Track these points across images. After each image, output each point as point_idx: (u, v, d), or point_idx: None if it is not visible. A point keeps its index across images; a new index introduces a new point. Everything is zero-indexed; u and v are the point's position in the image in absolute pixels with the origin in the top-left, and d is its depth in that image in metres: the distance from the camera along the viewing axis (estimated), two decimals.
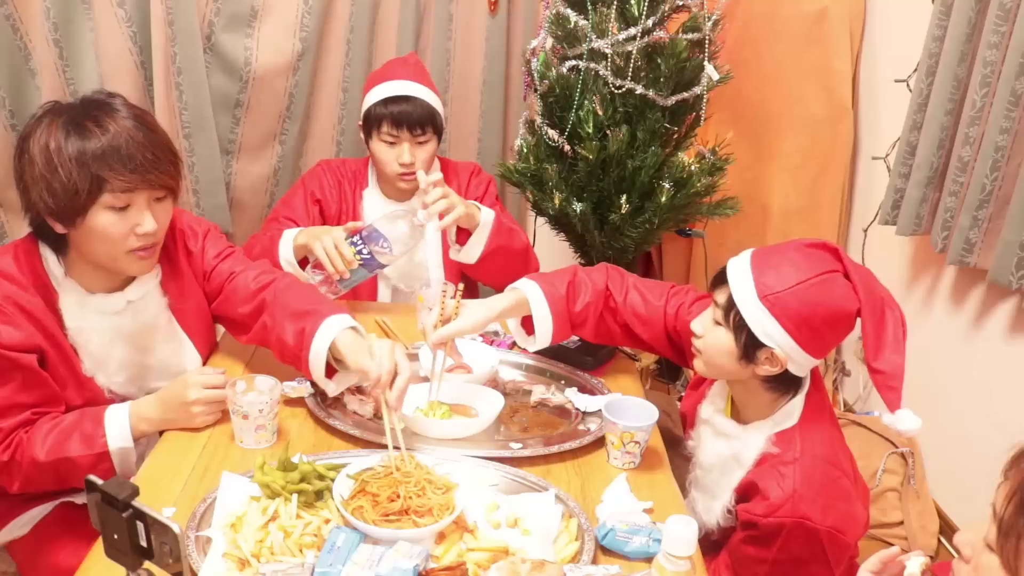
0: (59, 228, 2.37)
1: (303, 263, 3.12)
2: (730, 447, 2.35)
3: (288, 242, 3.15)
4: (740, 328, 2.20)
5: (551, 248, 4.27)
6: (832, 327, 2.17)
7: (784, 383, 2.29)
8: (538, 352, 2.83)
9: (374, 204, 3.49)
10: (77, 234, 2.37)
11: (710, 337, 2.30)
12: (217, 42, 4.05)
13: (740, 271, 2.22)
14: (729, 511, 2.35)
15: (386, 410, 2.26)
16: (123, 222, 2.36)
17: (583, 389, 2.74)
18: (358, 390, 2.57)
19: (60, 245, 2.45)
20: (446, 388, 2.59)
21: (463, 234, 3.19)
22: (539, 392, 2.68)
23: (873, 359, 2.16)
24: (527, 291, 2.65)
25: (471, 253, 3.19)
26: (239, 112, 4.20)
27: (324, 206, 3.47)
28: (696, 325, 2.37)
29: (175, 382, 2.47)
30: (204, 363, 2.79)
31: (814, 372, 2.35)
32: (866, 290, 2.16)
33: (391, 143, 3.33)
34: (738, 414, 2.42)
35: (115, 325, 2.53)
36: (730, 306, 2.22)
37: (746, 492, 2.30)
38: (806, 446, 2.24)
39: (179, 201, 2.56)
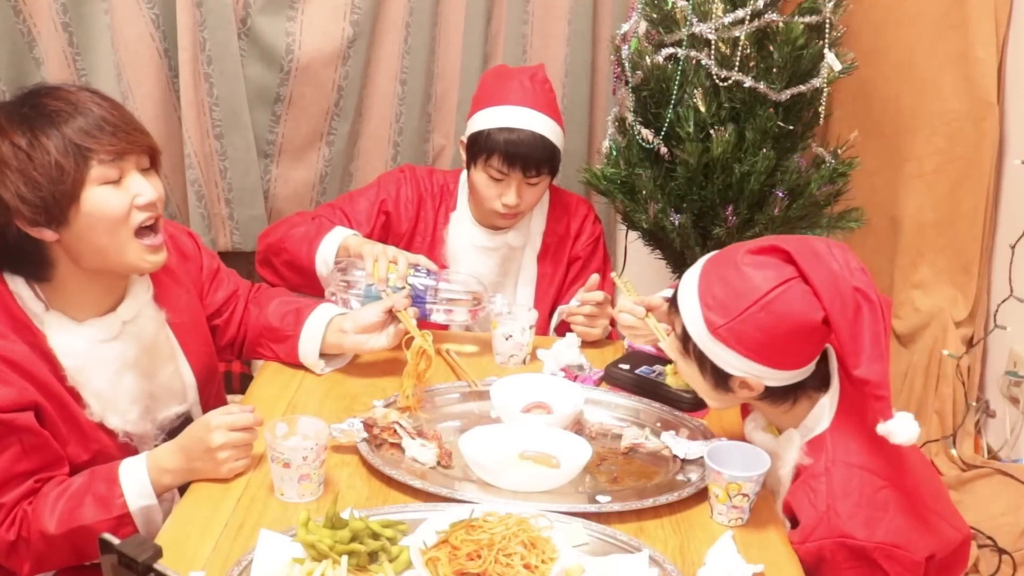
0: (48, 235, 2.34)
1: None
2: (772, 465, 2.34)
3: (336, 240, 3.18)
4: (702, 360, 2.29)
5: (644, 267, 4.26)
6: (802, 341, 2.22)
7: (793, 389, 2.31)
8: (629, 390, 2.84)
9: (462, 231, 3.49)
10: (71, 234, 2.34)
11: (681, 366, 2.39)
12: (254, 26, 4.03)
13: (689, 298, 2.29)
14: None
15: (401, 315, 2.81)
16: (121, 195, 2.35)
17: (682, 433, 2.69)
18: (419, 434, 2.55)
19: (38, 269, 2.42)
20: (522, 433, 2.57)
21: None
22: (631, 436, 2.64)
23: (853, 367, 2.16)
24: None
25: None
26: (279, 108, 4.19)
27: (393, 220, 3.47)
28: (668, 348, 2.46)
29: (196, 425, 2.44)
30: (200, 384, 2.80)
31: None
32: (831, 292, 2.16)
33: (498, 179, 3.31)
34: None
35: (118, 353, 2.52)
36: (686, 337, 2.29)
37: (791, 516, 2.31)
38: (838, 453, 2.24)
39: (207, 220, 2.56)
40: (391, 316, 2.88)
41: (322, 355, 2.96)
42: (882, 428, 2.14)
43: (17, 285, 2.43)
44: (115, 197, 2.34)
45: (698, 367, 2.31)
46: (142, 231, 2.42)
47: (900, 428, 2.12)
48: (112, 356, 2.50)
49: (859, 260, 2.20)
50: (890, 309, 2.22)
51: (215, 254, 3.02)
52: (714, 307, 2.20)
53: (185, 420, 2.71)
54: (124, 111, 2.41)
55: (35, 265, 2.41)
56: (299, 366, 2.98)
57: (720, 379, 2.28)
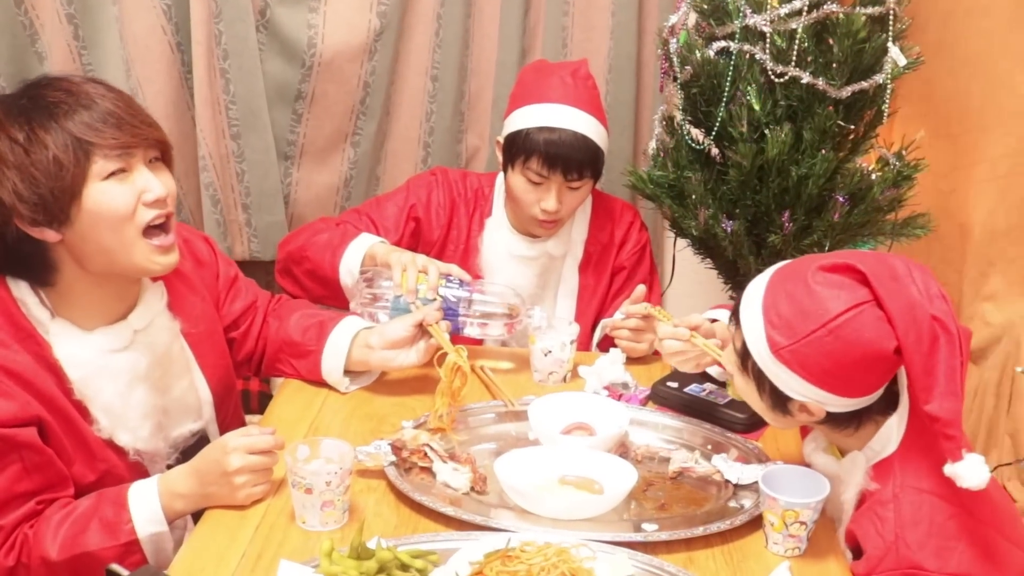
0: (51, 235, 2.35)
1: None
2: (833, 490, 2.33)
3: (362, 248, 3.18)
4: (761, 379, 2.29)
5: (694, 277, 4.24)
6: (870, 370, 2.20)
7: (856, 414, 2.30)
8: (678, 410, 2.85)
9: (498, 239, 3.50)
10: (74, 234, 2.35)
11: (739, 382, 2.38)
12: (273, 18, 4.02)
13: (752, 311, 2.27)
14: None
15: (432, 328, 2.83)
16: (126, 190, 2.36)
17: (735, 456, 2.69)
18: (452, 457, 2.54)
19: (42, 273, 2.43)
20: (563, 456, 2.57)
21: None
22: (679, 460, 2.64)
23: (924, 402, 2.14)
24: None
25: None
26: (301, 106, 4.17)
27: (424, 227, 3.47)
28: (727, 360, 2.45)
29: (212, 447, 2.43)
30: (216, 400, 2.80)
31: None
32: (907, 320, 2.13)
33: (537, 183, 3.30)
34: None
35: (129, 365, 2.52)
36: (746, 354, 2.28)
37: (854, 546, 2.29)
38: (907, 478, 2.22)
39: (222, 224, 2.56)
40: (421, 330, 2.88)
41: (347, 372, 2.96)
42: (949, 470, 2.11)
43: (21, 291, 2.44)
44: (120, 193, 2.35)
45: (756, 386, 2.30)
46: (151, 230, 2.42)
47: (969, 472, 2.09)
48: (122, 368, 2.50)
49: (940, 286, 2.18)
50: (969, 341, 2.19)
51: (233, 262, 3.03)
52: (778, 326, 2.19)
53: (200, 439, 2.72)
54: (132, 103, 2.42)
55: (38, 269, 2.42)
56: (322, 384, 2.98)
57: (778, 401, 2.28)
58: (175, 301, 2.68)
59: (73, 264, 2.41)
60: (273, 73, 4.08)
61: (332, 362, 2.95)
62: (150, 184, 2.38)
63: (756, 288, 2.29)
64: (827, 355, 2.14)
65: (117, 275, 2.47)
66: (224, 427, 2.81)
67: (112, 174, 2.34)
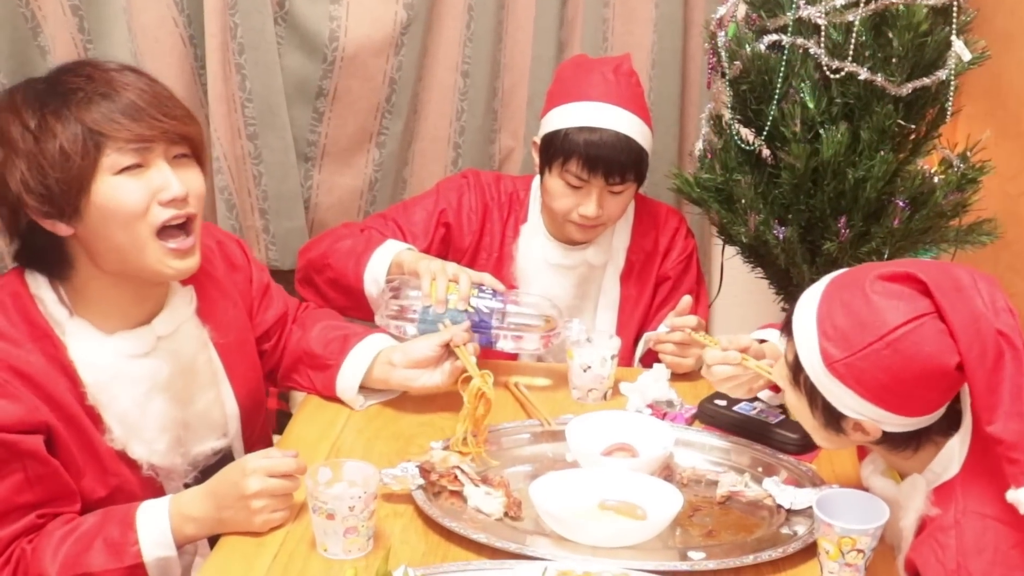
0: (62, 229, 2.37)
1: None
2: (892, 515, 2.31)
3: (388, 255, 3.18)
4: (813, 395, 2.27)
5: (743, 287, 4.23)
6: (930, 387, 2.17)
7: (915, 435, 2.27)
8: (726, 430, 2.86)
9: (534, 246, 3.50)
10: (85, 229, 2.36)
11: (790, 398, 2.37)
12: (293, 10, 4.01)
13: (805, 321, 2.26)
14: None
15: (459, 350, 2.82)
16: (139, 187, 2.36)
17: (787, 479, 2.69)
18: (484, 480, 2.54)
19: (60, 267, 2.45)
20: (603, 479, 2.56)
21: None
22: (728, 483, 2.64)
23: (987, 423, 2.11)
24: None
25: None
26: (322, 104, 4.16)
27: (455, 233, 3.47)
28: (778, 375, 2.44)
29: (230, 468, 2.43)
30: (243, 416, 2.80)
31: None
32: (969, 334, 2.11)
33: (576, 187, 3.29)
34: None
35: (149, 372, 2.53)
36: (798, 367, 2.27)
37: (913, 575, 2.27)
38: (970, 503, 2.19)
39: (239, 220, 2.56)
40: (448, 350, 2.88)
41: (363, 388, 2.97)
42: (1012, 496, 2.09)
43: (40, 288, 2.45)
44: (132, 189, 2.35)
45: (808, 402, 2.28)
46: (167, 231, 2.43)
47: None
48: (141, 374, 2.51)
49: (1007, 297, 2.16)
50: None
51: (265, 267, 3.03)
52: (833, 337, 2.17)
53: (223, 458, 2.72)
54: (161, 93, 2.43)
55: (52, 262, 2.44)
56: (342, 401, 2.99)
57: (832, 419, 2.26)
58: (205, 307, 2.68)
59: (87, 260, 2.43)
60: (292, 68, 4.07)
61: (348, 378, 2.96)
62: (167, 182, 2.38)
63: (810, 298, 2.28)
64: (884, 370, 2.13)
65: (132, 275, 2.47)
66: (250, 446, 2.82)
67: (126, 169, 2.34)
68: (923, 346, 2.11)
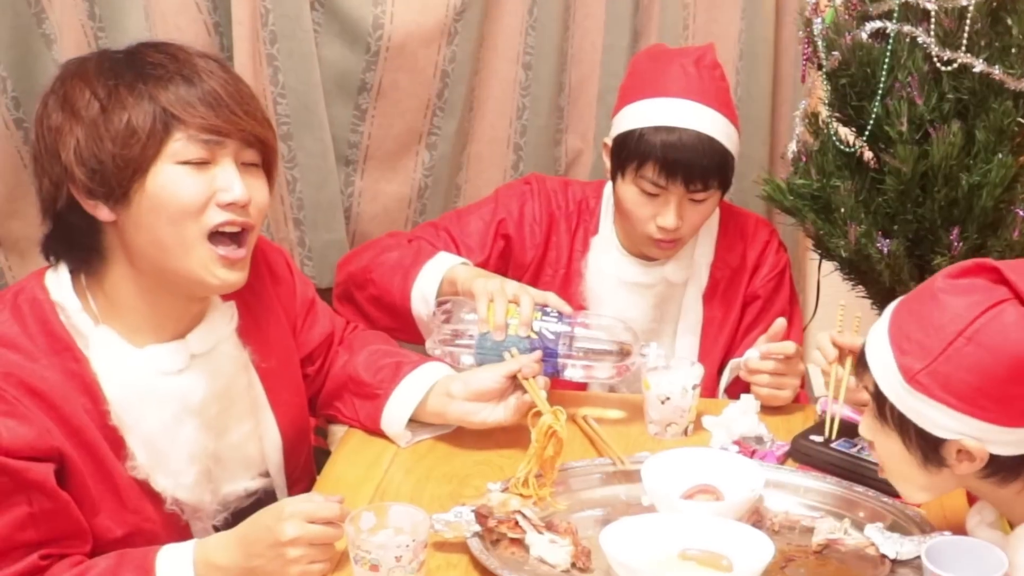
0: (104, 213, 2.38)
1: None
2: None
3: (439, 270, 3.18)
4: (904, 426, 2.25)
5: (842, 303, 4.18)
6: (1022, 380, 2.13)
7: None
8: (824, 469, 2.84)
9: (606, 262, 3.50)
10: (129, 218, 2.38)
11: (880, 444, 2.35)
12: None
13: (878, 345, 2.26)
14: None
15: (527, 383, 2.81)
16: (199, 183, 2.38)
17: (892, 525, 2.67)
18: (549, 527, 2.54)
19: (91, 261, 2.46)
20: (684, 526, 2.55)
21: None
22: (825, 530, 2.63)
23: None
24: None
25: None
26: (365, 101, 4.16)
27: (515, 247, 3.47)
28: (864, 428, 2.41)
29: (264, 512, 2.39)
30: (286, 448, 2.80)
31: None
32: None
33: (652, 194, 3.29)
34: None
35: (180, 392, 2.52)
36: (881, 399, 2.25)
37: None
38: None
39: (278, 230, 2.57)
40: (514, 382, 2.87)
41: (414, 421, 2.96)
42: None
43: (62, 293, 2.45)
44: (191, 184, 2.37)
45: (900, 437, 2.26)
46: (218, 237, 2.43)
47: None
48: (172, 394, 2.51)
49: None
50: None
51: (310, 281, 3.03)
52: (909, 350, 2.18)
53: (258, 502, 2.70)
54: (244, 91, 2.47)
55: (84, 252, 2.45)
56: (388, 436, 2.98)
57: (930, 449, 2.23)
58: (247, 325, 2.69)
59: (122, 255, 2.44)
60: (332, 60, 4.07)
61: (397, 409, 2.95)
62: (231, 183, 2.40)
63: (880, 322, 2.29)
64: (970, 369, 2.12)
65: (170, 280, 2.47)
66: (292, 482, 2.83)
67: (190, 161, 2.36)
68: (1008, 334, 2.11)
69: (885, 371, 2.23)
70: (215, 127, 2.36)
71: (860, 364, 2.34)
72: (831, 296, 4.17)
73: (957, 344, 2.12)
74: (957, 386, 2.13)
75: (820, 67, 3.65)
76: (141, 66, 2.36)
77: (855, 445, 2.92)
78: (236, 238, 2.46)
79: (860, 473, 2.84)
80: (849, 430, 2.96)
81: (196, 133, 2.34)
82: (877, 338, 2.26)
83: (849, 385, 2.81)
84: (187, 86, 2.35)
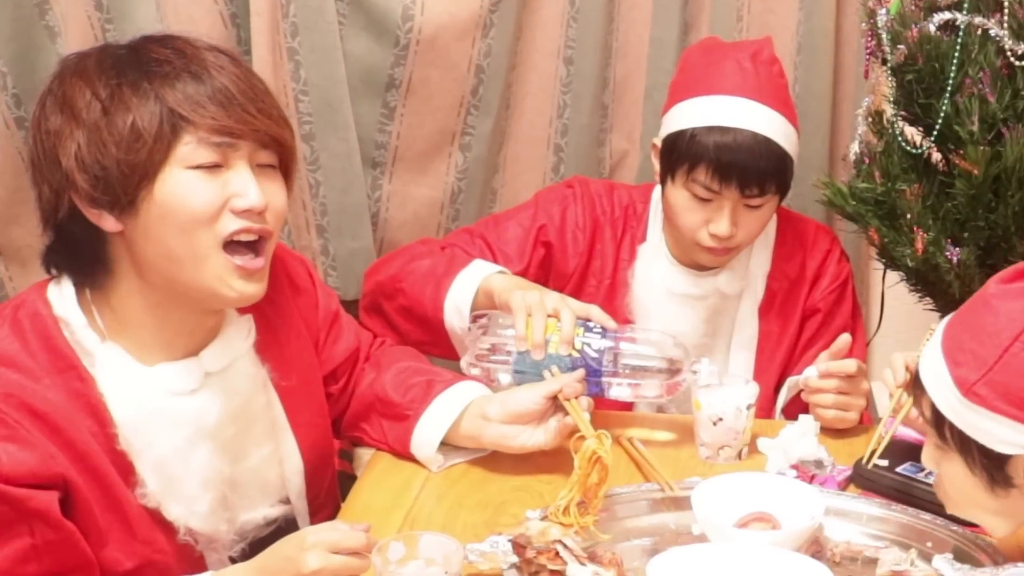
0: (109, 223, 2.37)
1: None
2: None
3: (474, 279, 3.18)
4: (965, 445, 2.24)
5: (909, 321, 4.20)
6: None
7: None
8: (888, 496, 2.84)
9: (654, 272, 3.49)
10: (136, 227, 2.37)
11: (944, 471, 2.35)
12: None
13: (933, 363, 2.27)
14: None
15: (569, 404, 2.78)
16: (212, 188, 2.37)
17: (963, 556, 2.66)
18: (592, 558, 2.52)
19: (96, 274, 2.45)
20: (738, 557, 2.54)
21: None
22: (890, 561, 2.62)
23: None
24: None
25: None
26: (394, 98, 4.14)
27: (556, 255, 3.46)
28: (926, 458, 2.43)
29: (285, 541, 2.35)
30: (308, 472, 2.79)
31: None
32: None
33: (705, 199, 3.29)
34: None
35: (194, 413, 2.51)
36: (940, 420, 2.26)
37: None
38: None
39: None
40: (556, 404, 2.86)
41: (446, 444, 2.95)
42: None
43: (66, 307, 2.44)
44: (203, 190, 2.36)
45: (963, 459, 2.26)
46: (234, 246, 2.42)
47: None
48: (185, 416, 2.49)
49: None
50: None
51: (333, 292, 3.04)
52: (963, 361, 2.18)
53: (278, 531, 2.68)
54: (257, 86, 2.46)
55: (88, 265, 2.44)
56: (418, 460, 2.98)
57: (995, 468, 2.23)
58: (265, 341, 2.68)
59: (129, 268, 2.43)
60: (358, 54, 4.06)
61: (429, 431, 2.93)
62: (246, 188, 2.38)
63: (934, 339, 2.30)
64: None
65: (182, 294, 2.46)
66: (315, 509, 2.82)
67: (201, 165, 2.35)
68: None
69: (940, 387, 2.23)
70: (227, 128, 2.35)
71: (916, 386, 2.34)
72: (896, 309, 4.18)
73: (1013, 350, 2.13)
74: (1017, 395, 2.14)
75: (884, 61, 3.65)
76: (146, 62, 2.35)
77: (922, 470, 2.88)
78: (253, 247, 2.45)
79: (927, 500, 2.81)
80: (915, 454, 2.97)
81: (207, 135, 2.33)
82: (931, 355, 2.27)
83: (912, 415, 2.81)
84: (196, 83, 2.34)
